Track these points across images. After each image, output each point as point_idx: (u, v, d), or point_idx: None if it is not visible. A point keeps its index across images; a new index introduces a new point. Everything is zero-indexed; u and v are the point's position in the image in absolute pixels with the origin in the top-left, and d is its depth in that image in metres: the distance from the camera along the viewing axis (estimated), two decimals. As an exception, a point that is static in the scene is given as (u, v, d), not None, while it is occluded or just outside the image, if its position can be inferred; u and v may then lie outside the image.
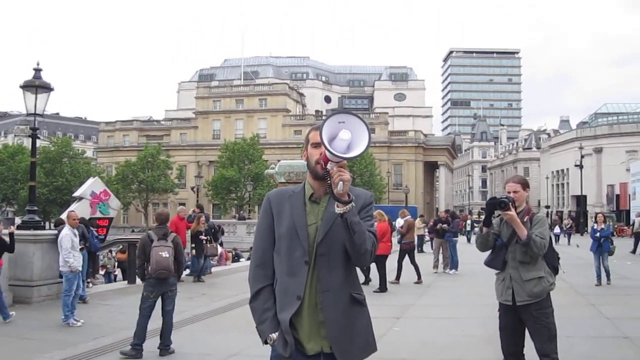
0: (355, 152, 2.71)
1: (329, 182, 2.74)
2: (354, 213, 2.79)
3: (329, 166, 2.75)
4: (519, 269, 5.07)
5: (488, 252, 5.38)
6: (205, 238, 17.06)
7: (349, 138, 2.70)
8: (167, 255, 7.89)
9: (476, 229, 21.02)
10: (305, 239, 2.92)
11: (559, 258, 5.38)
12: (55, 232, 12.31)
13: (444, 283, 16.22)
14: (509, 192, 5.16)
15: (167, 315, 8.12)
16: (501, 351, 5.26)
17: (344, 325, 2.90)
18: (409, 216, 18.69)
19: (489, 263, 5.38)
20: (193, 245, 16.57)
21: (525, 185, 5.29)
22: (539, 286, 5.01)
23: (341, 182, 2.69)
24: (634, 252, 25.46)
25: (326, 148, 2.65)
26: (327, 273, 2.91)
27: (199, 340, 9.09)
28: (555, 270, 5.27)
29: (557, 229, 37.31)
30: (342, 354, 2.88)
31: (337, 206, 2.75)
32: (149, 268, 7.90)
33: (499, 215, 5.12)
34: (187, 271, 18.21)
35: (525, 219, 5.09)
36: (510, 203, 4.94)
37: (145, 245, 8.11)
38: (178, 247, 8.20)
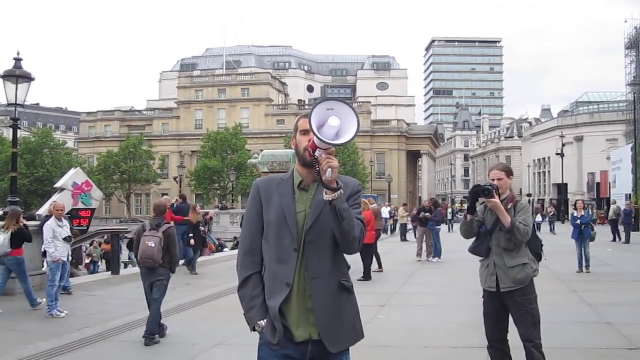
0: (344, 139, 2.73)
1: (318, 169, 2.75)
2: (343, 200, 2.80)
3: (317, 153, 2.75)
4: (503, 256, 5.10)
5: (472, 240, 5.39)
6: (203, 229, 17.05)
7: (338, 125, 2.72)
8: (153, 245, 7.96)
9: (459, 218, 21.24)
10: (294, 227, 2.92)
11: (542, 245, 5.40)
12: (38, 223, 12.23)
13: (427, 271, 16.33)
14: (493, 180, 5.18)
15: (154, 304, 8.17)
16: (485, 337, 5.30)
17: (332, 313, 2.91)
18: (375, 204, 18.79)
19: (473, 250, 5.41)
20: (191, 235, 16.22)
21: (509, 173, 5.32)
22: (523, 273, 5.04)
23: (330, 169, 2.70)
24: (614, 240, 25.77)
25: (315, 135, 2.67)
26: (316, 260, 2.92)
27: (184, 330, 9.09)
28: (538, 257, 5.30)
29: (538, 217, 37.40)
30: (331, 341, 2.89)
31: (326, 193, 2.76)
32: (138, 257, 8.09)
33: (483, 202, 5.14)
34: (181, 262, 18.20)
35: (509, 207, 5.11)
36: (494, 190, 4.95)
37: (139, 235, 8.28)
38: (170, 238, 8.22)
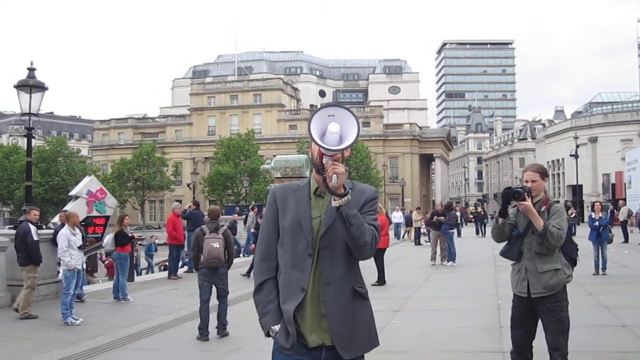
0: (344, 144, 2.76)
1: (324, 175, 2.76)
2: (350, 206, 2.80)
3: (324, 160, 2.78)
4: (534, 261, 4.97)
5: (503, 243, 5.27)
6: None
7: (338, 130, 2.75)
8: (218, 246, 8.69)
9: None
10: (309, 232, 2.93)
11: (577, 249, 5.27)
12: (52, 231, 12.29)
13: (441, 275, 16.24)
14: (526, 181, 5.05)
15: (221, 300, 9.06)
16: (508, 341, 5.22)
17: (345, 319, 2.91)
18: None
19: (504, 254, 5.29)
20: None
21: (543, 174, 5.16)
22: (555, 278, 4.92)
23: (335, 175, 2.73)
24: (625, 241, 25.55)
25: (314, 141, 2.71)
26: (330, 266, 2.92)
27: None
28: (573, 262, 5.17)
29: None
30: (343, 347, 2.88)
31: (333, 199, 2.77)
32: (202, 258, 8.65)
33: (515, 205, 5.00)
34: (185, 268, 18.24)
35: (542, 209, 4.98)
36: (526, 193, 4.83)
37: (198, 238, 8.91)
38: (228, 239, 9.05)
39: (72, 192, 22.41)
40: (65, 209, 16.52)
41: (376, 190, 3.17)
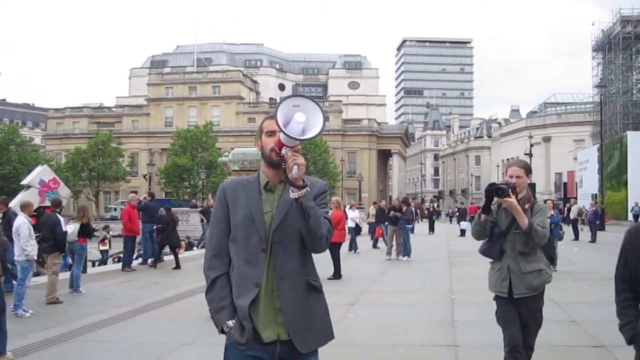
0: (310, 134, 2.75)
1: (284, 167, 2.74)
2: (309, 198, 2.80)
3: (283, 151, 2.75)
4: (518, 260, 4.82)
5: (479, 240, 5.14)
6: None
7: (304, 120, 2.73)
8: None
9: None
10: (262, 227, 2.91)
11: (554, 248, 5.16)
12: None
13: (397, 270, 16.38)
14: (511, 177, 4.89)
15: None
16: (505, 343, 4.93)
17: (301, 313, 2.90)
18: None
19: (484, 252, 5.11)
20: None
21: (528, 170, 5.01)
22: (539, 279, 4.82)
23: (296, 167, 2.70)
24: (575, 239, 26.15)
25: (281, 130, 2.67)
26: (283, 260, 2.91)
27: (152, 328, 9.00)
28: (552, 261, 5.09)
29: None
30: (300, 341, 2.88)
31: (292, 191, 2.75)
32: None
33: (498, 202, 4.84)
34: (139, 260, 18.03)
35: (526, 207, 4.84)
36: (510, 189, 4.68)
37: None
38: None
39: (24, 182, 21.93)
40: (18, 197, 16.18)
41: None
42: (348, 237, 19.94)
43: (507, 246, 4.88)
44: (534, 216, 4.82)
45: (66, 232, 11.38)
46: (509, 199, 4.67)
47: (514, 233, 4.82)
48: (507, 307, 4.91)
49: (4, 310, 6.96)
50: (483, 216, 4.90)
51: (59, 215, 11.67)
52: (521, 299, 4.83)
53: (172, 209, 19.38)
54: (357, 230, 23.59)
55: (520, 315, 4.88)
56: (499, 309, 5.03)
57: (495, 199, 4.78)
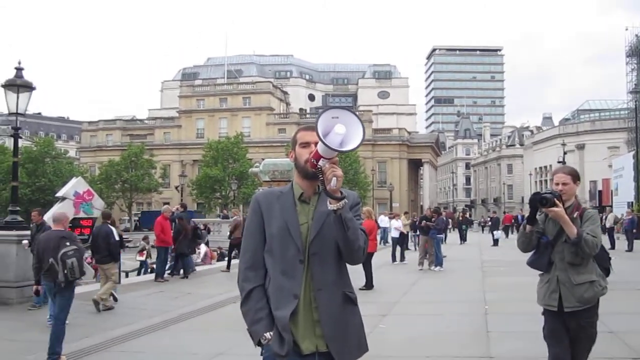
0: (350, 146, 2.72)
1: (321, 178, 2.73)
2: (347, 209, 2.79)
3: (320, 163, 2.74)
4: (568, 272, 4.55)
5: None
6: None
7: (344, 132, 2.71)
8: None
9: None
10: (298, 238, 2.91)
11: (609, 258, 4.84)
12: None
13: (428, 280, 16.27)
14: (557, 184, 4.67)
15: None
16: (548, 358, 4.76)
17: (338, 324, 2.90)
18: (237, 216, 20.81)
19: (532, 263, 4.86)
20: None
21: (575, 177, 4.75)
22: (591, 291, 4.52)
23: (334, 178, 2.69)
24: (612, 247, 25.69)
25: (322, 141, 2.65)
26: (321, 272, 2.91)
27: (185, 339, 9.06)
28: (607, 272, 4.76)
29: None
30: (339, 354, 2.88)
31: (330, 202, 2.75)
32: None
33: (544, 212, 4.60)
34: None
35: (574, 215, 4.57)
36: (556, 198, 4.44)
37: None
38: None
39: (59, 194, 22.24)
40: (53, 210, 16.43)
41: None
42: (383, 247, 19.83)
43: (555, 257, 4.63)
44: (584, 225, 4.55)
45: (118, 241, 11.86)
46: (555, 209, 4.42)
47: (562, 243, 4.56)
48: (555, 322, 4.65)
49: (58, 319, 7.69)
50: (528, 227, 4.66)
51: (110, 226, 12.30)
52: (572, 313, 4.54)
53: (198, 219, 20.06)
54: (402, 239, 22.72)
55: (570, 330, 4.61)
56: (547, 324, 4.74)
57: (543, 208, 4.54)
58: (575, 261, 4.53)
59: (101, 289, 11.53)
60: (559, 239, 4.58)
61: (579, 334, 4.59)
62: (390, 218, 35.18)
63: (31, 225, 11.90)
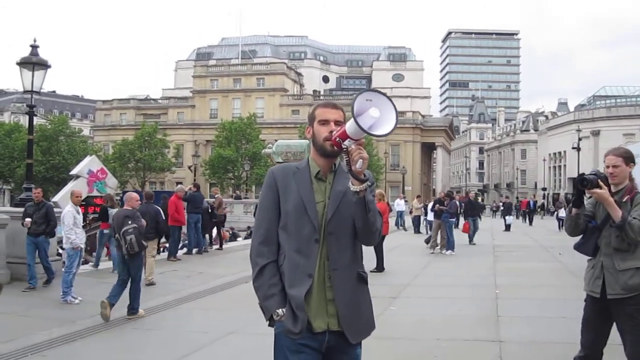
0: (382, 131, 2.71)
1: (347, 159, 2.72)
2: (369, 191, 2.80)
3: (346, 143, 2.72)
4: (612, 257, 4.37)
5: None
6: None
7: (378, 116, 2.70)
8: None
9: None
10: (315, 217, 2.90)
11: None
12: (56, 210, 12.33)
13: (440, 264, 16.28)
14: (607, 167, 4.48)
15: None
16: (580, 348, 4.71)
17: (352, 304, 2.92)
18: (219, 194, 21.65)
19: (578, 248, 4.69)
20: None
21: (628, 159, 4.51)
22: (636, 278, 4.28)
23: (360, 160, 2.69)
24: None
25: (356, 122, 2.63)
26: (336, 251, 2.91)
27: (196, 318, 9.14)
28: None
29: (562, 212, 31.82)
30: (352, 332, 2.90)
31: (353, 184, 2.74)
32: None
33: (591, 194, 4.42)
34: (185, 250, 18.29)
35: (624, 199, 4.39)
36: (600, 179, 4.26)
37: None
38: None
39: (73, 172, 22.50)
40: (67, 187, 16.62)
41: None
42: (397, 230, 19.48)
43: (602, 242, 4.47)
44: (633, 209, 4.35)
45: (166, 220, 12.26)
46: (598, 190, 4.26)
47: (609, 228, 4.40)
48: (594, 309, 4.53)
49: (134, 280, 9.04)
50: (574, 210, 4.49)
51: (156, 206, 12.93)
52: (616, 300, 4.35)
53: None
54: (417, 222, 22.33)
55: (616, 319, 4.44)
56: (585, 310, 4.64)
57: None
58: (621, 247, 4.35)
59: (147, 270, 11.58)
60: (606, 223, 4.42)
61: (626, 322, 4.36)
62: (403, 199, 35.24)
63: (28, 204, 11.53)
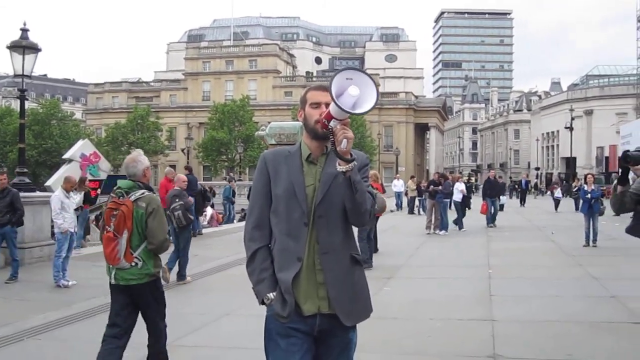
0: (363, 108, 2.71)
1: (332, 139, 2.72)
2: (356, 172, 2.78)
3: (332, 124, 2.72)
4: None
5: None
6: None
7: (358, 94, 2.69)
8: None
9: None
10: (304, 200, 2.90)
11: None
12: (46, 194, 12.31)
13: (434, 244, 16.35)
14: None
15: None
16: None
17: (345, 286, 2.92)
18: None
19: (629, 230, 4.62)
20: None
21: None
22: None
23: (345, 140, 2.68)
24: (617, 214, 25.58)
25: (335, 102, 2.63)
26: (327, 234, 2.91)
27: (192, 300, 9.17)
28: None
29: (558, 193, 32.65)
30: (346, 315, 2.90)
31: (339, 164, 2.73)
32: None
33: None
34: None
35: None
36: None
37: None
38: None
39: (66, 155, 22.45)
40: (60, 171, 16.57)
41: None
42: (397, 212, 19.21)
43: None
44: None
45: (191, 201, 12.23)
46: None
47: None
48: None
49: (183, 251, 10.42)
50: (619, 188, 4.39)
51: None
52: None
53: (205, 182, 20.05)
54: (464, 204, 20.72)
55: None
56: None
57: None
58: None
59: None
60: None
61: None
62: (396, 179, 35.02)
63: None
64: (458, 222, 19.72)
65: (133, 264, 4.96)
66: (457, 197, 20.21)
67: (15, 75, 13.33)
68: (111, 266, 5.04)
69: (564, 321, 7.29)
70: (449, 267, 12.27)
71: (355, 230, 3.08)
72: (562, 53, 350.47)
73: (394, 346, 6.50)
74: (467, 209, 20.01)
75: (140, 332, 5.13)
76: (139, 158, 5.13)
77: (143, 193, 4.99)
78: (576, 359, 5.86)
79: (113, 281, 5.06)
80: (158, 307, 5.18)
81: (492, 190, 21.57)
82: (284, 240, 2.93)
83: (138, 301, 5.08)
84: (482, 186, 23.24)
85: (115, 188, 5.07)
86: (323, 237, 2.90)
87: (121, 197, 4.96)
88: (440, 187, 19.11)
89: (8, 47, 13.04)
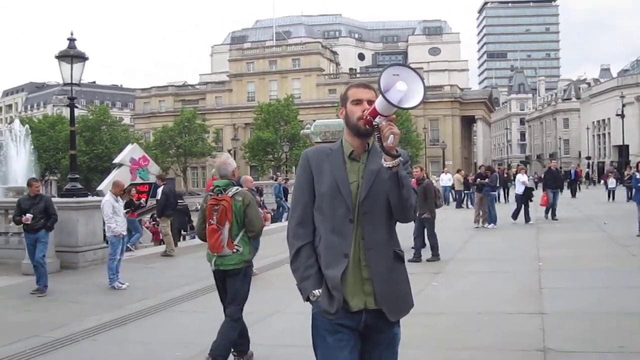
0: (410, 103, 2.72)
1: (378, 135, 2.74)
2: (402, 167, 2.81)
3: (377, 120, 2.74)
4: None
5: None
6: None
7: (405, 90, 2.70)
8: None
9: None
10: (349, 197, 2.93)
11: None
12: (98, 198, 12.62)
13: (482, 238, 16.18)
14: None
15: None
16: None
17: (390, 282, 2.95)
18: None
19: None
20: None
21: None
22: None
23: (392, 136, 2.71)
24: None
25: (384, 97, 2.65)
26: (372, 231, 2.93)
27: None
28: None
29: (612, 182, 30.70)
30: (391, 311, 2.92)
31: (385, 160, 2.76)
32: None
33: None
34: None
35: None
36: None
37: None
38: None
39: (116, 160, 22.95)
40: (110, 176, 16.99)
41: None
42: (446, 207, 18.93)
43: None
44: None
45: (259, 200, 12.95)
46: None
47: None
48: None
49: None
50: None
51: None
52: None
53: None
54: (527, 195, 19.51)
55: None
56: None
57: None
58: None
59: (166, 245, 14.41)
60: None
61: None
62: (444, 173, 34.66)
63: (24, 194, 11.03)
64: (514, 215, 19.11)
65: (234, 250, 5.81)
66: (520, 189, 19.44)
67: (65, 84, 13.69)
68: (212, 254, 5.83)
69: (615, 313, 7.16)
70: (497, 260, 12.13)
71: (403, 226, 3.09)
72: (610, 39, 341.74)
73: (440, 341, 6.49)
74: (529, 201, 19.35)
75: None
76: (228, 161, 6.04)
77: (237, 189, 5.86)
78: (628, 351, 5.75)
79: (213, 267, 5.92)
80: (243, 294, 6.17)
81: (554, 181, 20.57)
82: (329, 237, 2.95)
83: (229, 285, 6.00)
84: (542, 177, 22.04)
85: (212, 187, 5.95)
86: (368, 233, 2.93)
87: (219, 194, 5.77)
88: (487, 180, 18.91)
89: (57, 57, 13.39)
